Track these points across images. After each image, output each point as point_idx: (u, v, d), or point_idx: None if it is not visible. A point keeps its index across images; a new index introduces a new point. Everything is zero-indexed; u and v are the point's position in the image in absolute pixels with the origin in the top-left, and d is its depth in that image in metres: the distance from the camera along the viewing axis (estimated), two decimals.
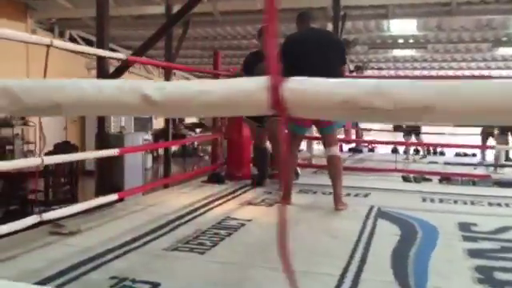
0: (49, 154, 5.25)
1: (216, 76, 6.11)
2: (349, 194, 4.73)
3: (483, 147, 9.03)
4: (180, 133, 14.02)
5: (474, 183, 5.76)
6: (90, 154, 3.89)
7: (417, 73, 14.66)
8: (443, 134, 15.30)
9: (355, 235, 3.14)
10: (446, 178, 6.05)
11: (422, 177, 6.14)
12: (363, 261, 2.59)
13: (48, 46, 2.55)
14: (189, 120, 16.50)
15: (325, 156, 4.32)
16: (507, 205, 4.44)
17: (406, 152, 9.54)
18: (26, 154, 8.66)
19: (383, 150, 11.54)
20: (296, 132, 4.22)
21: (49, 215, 2.64)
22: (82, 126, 11.79)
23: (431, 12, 8.50)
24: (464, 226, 3.45)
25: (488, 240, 3.10)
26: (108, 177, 4.59)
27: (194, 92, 1.09)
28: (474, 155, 10.21)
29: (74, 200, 4.91)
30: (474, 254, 2.77)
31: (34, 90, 1.10)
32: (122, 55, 4.24)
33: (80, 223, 3.12)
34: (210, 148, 14.60)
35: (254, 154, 5.55)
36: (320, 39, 4.13)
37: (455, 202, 4.55)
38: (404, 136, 9.62)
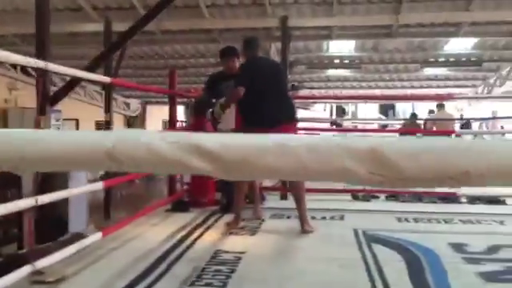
0: None
1: (173, 96, 5.81)
2: (324, 218, 4.65)
3: None
4: None
5: (420, 199, 5.95)
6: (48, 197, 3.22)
7: (345, 92, 15.16)
8: None
9: (361, 263, 3.04)
10: (392, 195, 6.19)
11: (370, 195, 6.23)
12: None
13: None
14: None
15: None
16: (478, 221, 4.57)
17: None
18: None
19: None
20: None
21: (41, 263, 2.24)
22: None
23: (371, 34, 8.81)
24: (458, 247, 3.46)
25: (490, 261, 3.12)
26: (50, 210, 4.14)
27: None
28: None
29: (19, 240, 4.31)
30: (487, 277, 2.76)
31: None
32: (82, 72, 3.66)
33: (61, 268, 2.73)
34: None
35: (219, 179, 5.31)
36: (272, 67, 4.45)
37: (429, 220, 4.60)
38: None
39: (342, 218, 4.75)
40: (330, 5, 7.66)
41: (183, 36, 9.21)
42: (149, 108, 19.57)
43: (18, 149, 0.79)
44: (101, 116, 14.51)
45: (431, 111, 10.89)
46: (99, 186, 3.62)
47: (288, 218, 4.71)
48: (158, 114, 20.11)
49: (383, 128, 21.10)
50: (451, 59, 10.72)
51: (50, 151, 0.75)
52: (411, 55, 10.63)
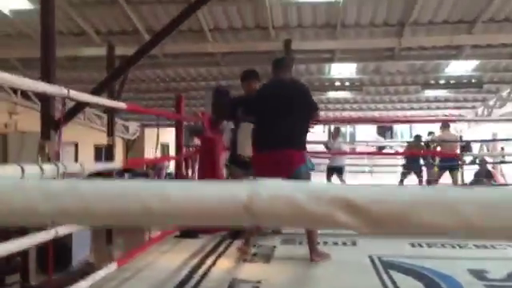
0: None
1: (180, 121, 5.76)
2: (336, 243, 4.58)
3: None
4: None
5: None
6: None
7: (345, 114, 15.20)
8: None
9: None
10: None
11: None
12: None
13: None
14: None
15: None
16: (493, 246, 4.50)
17: None
18: None
19: None
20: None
21: None
22: None
23: (374, 56, 8.85)
24: (477, 274, 3.39)
25: None
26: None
27: None
28: None
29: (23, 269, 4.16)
30: None
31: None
32: (88, 96, 3.58)
33: None
34: None
35: None
36: (289, 90, 4.15)
37: (443, 245, 4.54)
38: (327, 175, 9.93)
39: (354, 243, 4.67)
40: (334, 28, 7.70)
41: (186, 59, 9.23)
42: (147, 131, 19.51)
43: (142, 201, 0.71)
44: (100, 139, 14.45)
45: (431, 133, 10.86)
46: None
47: (300, 243, 4.63)
48: (154, 138, 20.09)
49: (380, 150, 21.11)
50: (452, 81, 10.77)
51: (177, 204, 0.69)
52: (412, 77, 10.68)
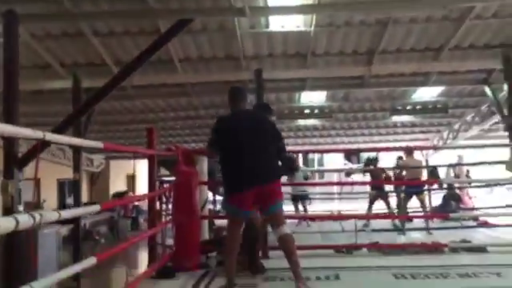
0: None
1: (152, 156, 5.55)
2: (319, 278, 4.42)
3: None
4: None
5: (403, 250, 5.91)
6: None
7: (314, 140, 15.28)
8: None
9: None
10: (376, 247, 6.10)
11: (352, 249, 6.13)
12: None
13: None
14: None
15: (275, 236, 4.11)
16: (475, 274, 4.44)
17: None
18: None
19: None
20: (236, 215, 3.98)
21: None
22: None
23: (344, 84, 8.93)
24: None
25: None
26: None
27: None
28: None
29: None
30: None
31: None
32: (67, 138, 3.37)
33: None
34: (104, 229, 13.52)
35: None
36: (253, 122, 4.04)
37: (426, 275, 4.44)
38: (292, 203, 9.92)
39: (337, 277, 4.53)
40: (304, 57, 7.72)
41: (155, 90, 9.06)
42: (112, 163, 19.07)
43: None
44: (63, 174, 13.91)
45: (400, 157, 10.97)
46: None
47: (282, 280, 4.46)
48: (121, 169, 19.63)
49: (348, 174, 21.22)
50: (418, 107, 10.97)
51: None
52: (380, 104, 10.83)
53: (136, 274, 5.77)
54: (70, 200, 16.33)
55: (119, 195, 16.48)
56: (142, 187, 19.96)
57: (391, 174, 9.89)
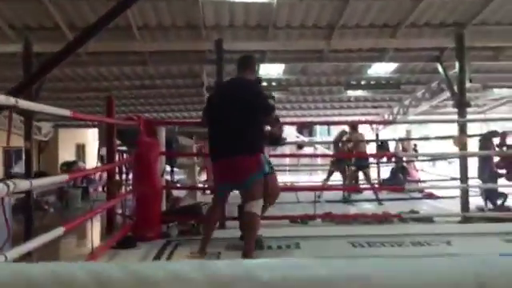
0: None
1: (112, 125, 5.43)
2: (280, 247, 4.55)
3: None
4: None
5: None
6: None
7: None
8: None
9: None
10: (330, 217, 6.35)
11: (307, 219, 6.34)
12: None
13: None
14: None
15: None
16: (427, 243, 4.70)
17: None
18: None
19: None
20: (216, 187, 4.15)
21: None
22: None
23: (303, 58, 8.98)
24: None
25: None
26: None
27: None
28: None
29: None
30: None
31: None
32: (36, 105, 3.25)
33: None
34: (53, 199, 13.17)
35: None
36: (237, 91, 4.00)
37: (382, 244, 4.67)
38: None
39: (297, 245, 4.68)
40: (265, 29, 7.69)
41: (110, 58, 8.77)
42: (61, 131, 18.43)
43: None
44: (9, 141, 13.30)
45: (343, 132, 11.22)
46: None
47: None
48: (70, 138, 19.04)
49: (300, 147, 21.59)
50: (372, 82, 11.22)
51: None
52: (336, 78, 10.98)
53: (87, 245, 5.70)
54: (17, 169, 15.74)
55: (68, 165, 16.03)
56: (92, 156, 19.52)
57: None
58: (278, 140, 5.10)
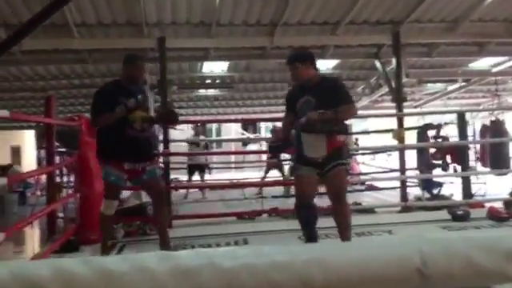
0: None
1: (51, 126, 5.25)
2: (229, 243, 4.58)
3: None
4: None
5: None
6: None
7: (213, 111, 15.34)
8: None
9: None
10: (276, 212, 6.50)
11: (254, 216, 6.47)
12: None
13: None
14: None
15: None
16: (370, 233, 4.89)
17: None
18: None
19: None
20: (113, 182, 4.07)
21: None
22: None
23: (246, 55, 9.03)
24: None
25: None
26: None
27: None
28: None
29: None
30: None
31: None
32: None
33: None
34: None
35: (303, 218, 3.98)
36: None
37: (327, 236, 4.80)
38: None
39: (245, 241, 4.74)
40: (208, 26, 7.66)
41: (47, 56, 8.42)
42: None
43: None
44: None
45: (274, 127, 11.48)
46: None
47: (192, 247, 4.55)
48: (4, 141, 18.12)
49: (245, 144, 21.74)
50: None
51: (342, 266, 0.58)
52: (280, 75, 11.10)
53: (28, 251, 5.49)
54: None
55: (3, 169, 15.30)
56: (28, 160, 18.69)
57: None
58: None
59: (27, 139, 19.14)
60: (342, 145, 3.68)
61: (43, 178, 8.88)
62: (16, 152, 19.13)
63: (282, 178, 9.87)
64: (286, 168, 10.13)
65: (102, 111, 3.91)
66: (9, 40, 5.60)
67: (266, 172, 10.33)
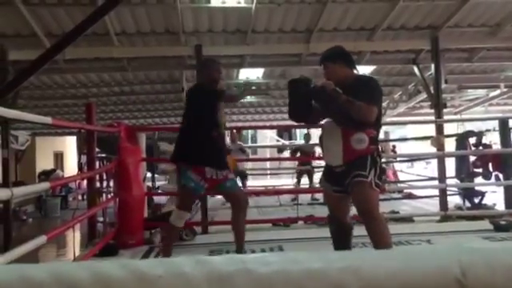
0: None
1: (92, 132, 5.39)
2: (264, 250, 4.57)
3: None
4: None
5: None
6: None
7: (249, 117, 15.43)
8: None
9: None
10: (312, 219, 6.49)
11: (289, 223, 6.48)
12: None
13: None
14: None
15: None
16: (408, 242, 4.78)
17: None
18: None
19: None
20: (192, 189, 3.88)
21: None
22: None
23: (281, 61, 9.06)
24: None
25: None
26: None
27: None
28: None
29: None
30: None
31: None
32: (15, 112, 3.27)
33: None
34: (31, 209, 12.97)
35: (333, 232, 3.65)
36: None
37: (364, 244, 4.71)
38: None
39: (280, 248, 4.72)
40: (244, 34, 7.73)
41: (88, 64, 8.69)
42: (38, 140, 18.13)
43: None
44: None
45: (307, 134, 11.50)
46: None
47: (227, 252, 4.56)
48: (48, 147, 18.74)
49: (281, 151, 21.79)
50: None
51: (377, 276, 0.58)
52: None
53: (69, 255, 5.64)
54: None
55: (47, 174, 15.83)
56: (70, 165, 19.25)
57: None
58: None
59: (70, 145, 19.72)
60: (361, 154, 3.22)
61: (84, 182, 9.13)
62: (59, 157, 19.76)
63: (311, 185, 9.86)
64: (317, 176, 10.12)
65: None
66: (52, 49, 5.83)
67: (298, 179, 10.36)
